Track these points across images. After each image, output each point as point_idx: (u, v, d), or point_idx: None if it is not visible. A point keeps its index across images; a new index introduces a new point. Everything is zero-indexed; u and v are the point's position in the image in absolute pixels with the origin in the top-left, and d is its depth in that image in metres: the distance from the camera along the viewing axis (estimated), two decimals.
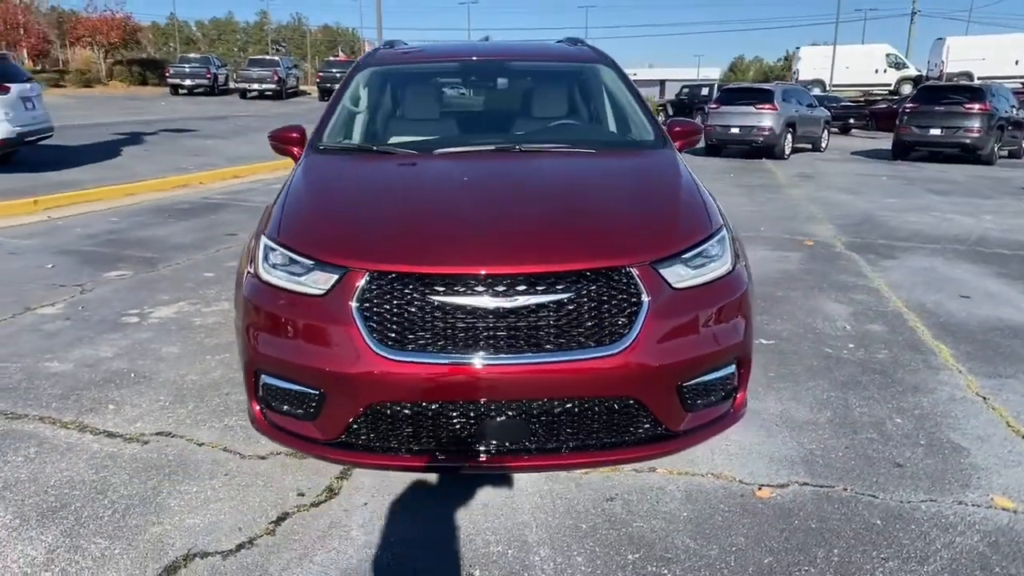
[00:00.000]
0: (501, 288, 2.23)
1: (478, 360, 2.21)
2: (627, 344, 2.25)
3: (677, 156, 3.33)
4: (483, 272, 2.25)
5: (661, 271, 2.37)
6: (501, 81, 4.18)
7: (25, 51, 36.41)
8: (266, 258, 2.50)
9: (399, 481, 2.68)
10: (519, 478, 2.70)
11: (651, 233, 2.56)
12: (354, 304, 2.27)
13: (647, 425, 2.38)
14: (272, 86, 31.99)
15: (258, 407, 2.52)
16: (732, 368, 2.53)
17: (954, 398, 3.49)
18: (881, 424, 3.21)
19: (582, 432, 2.35)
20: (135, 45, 42.25)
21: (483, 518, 2.50)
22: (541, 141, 3.47)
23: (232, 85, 35.00)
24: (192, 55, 38.93)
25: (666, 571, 2.23)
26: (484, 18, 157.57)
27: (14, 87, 9.37)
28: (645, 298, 2.29)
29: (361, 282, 2.29)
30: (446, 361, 2.22)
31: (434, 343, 2.25)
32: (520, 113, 3.95)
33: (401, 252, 2.40)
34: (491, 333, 2.22)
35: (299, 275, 2.38)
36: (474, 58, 4.23)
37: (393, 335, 2.25)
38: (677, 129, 3.59)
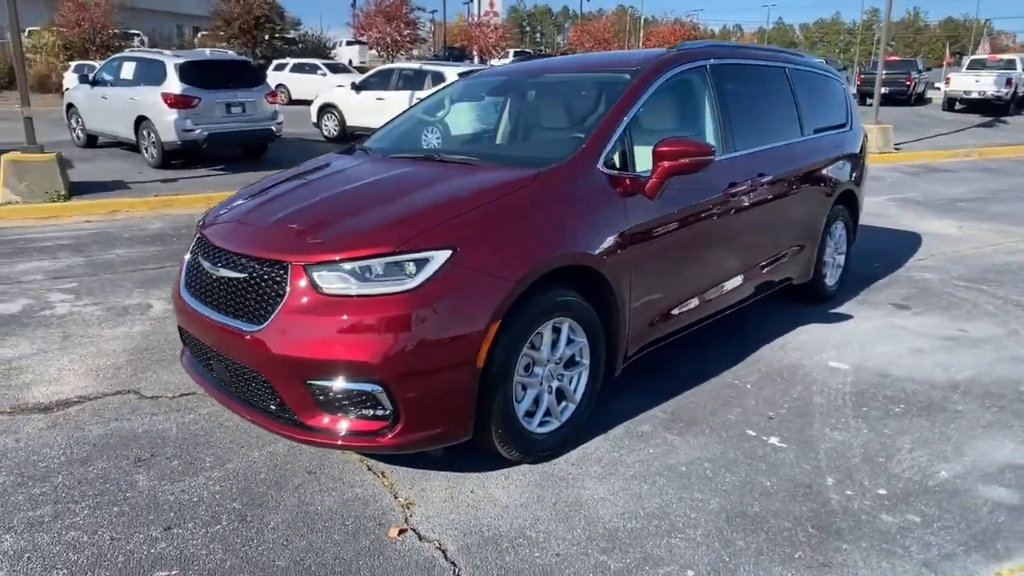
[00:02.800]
0: (218, 259, 2.75)
1: (201, 308, 2.77)
2: (263, 326, 2.48)
3: (512, 177, 2.88)
4: (215, 244, 2.81)
5: (313, 273, 2.45)
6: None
7: None
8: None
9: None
10: None
11: (333, 239, 2.56)
12: (187, 256, 3.08)
13: (277, 405, 2.57)
14: None
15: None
16: (377, 387, 2.40)
17: None
18: None
19: (251, 392, 2.66)
20: None
21: None
22: (458, 152, 3.56)
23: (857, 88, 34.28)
24: None
25: None
26: None
27: (206, 97, 9.96)
28: (287, 292, 2.47)
29: (193, 241, 3.08)
30: (192, 304, 2.83)
31: (194, 290, 2.88)
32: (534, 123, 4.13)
33: (207, 221, 3.09)
34: (209, 290, 2.78)
35: None
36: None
37: (185, 279, 2.98)
38: (663, 149, 3.02)
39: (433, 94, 4.40)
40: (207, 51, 14.02)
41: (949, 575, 2.24)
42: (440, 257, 2.47)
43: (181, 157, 10.20)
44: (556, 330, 2.84)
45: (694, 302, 3.57)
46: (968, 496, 2.67)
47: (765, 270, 4.14)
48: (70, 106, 12.06)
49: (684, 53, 3.73)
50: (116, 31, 26.10)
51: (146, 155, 10.28)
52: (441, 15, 35.20)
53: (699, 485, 2.72)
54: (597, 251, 2.89)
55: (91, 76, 11.63)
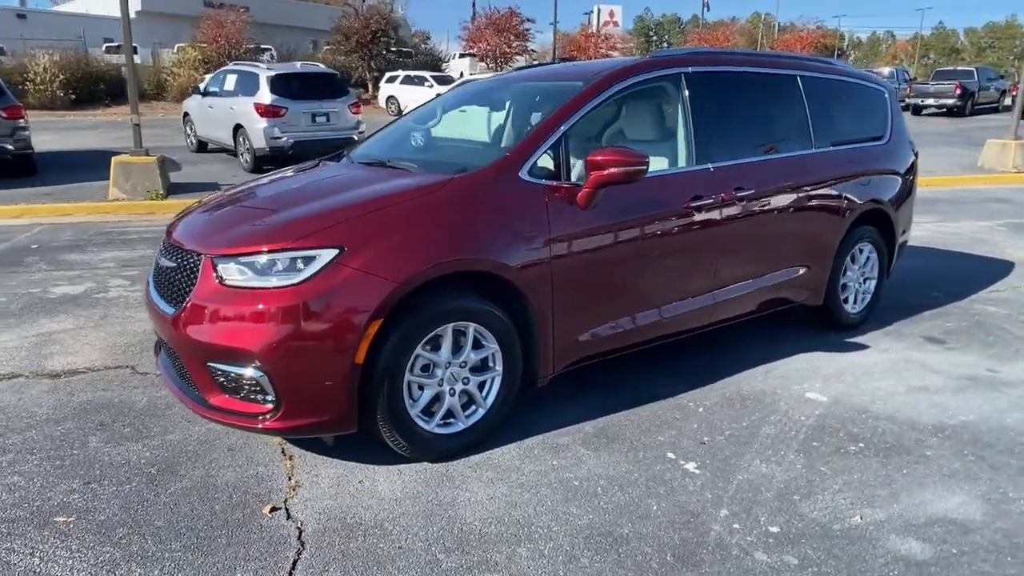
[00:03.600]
0: (165, 250, 3.05)
1: (154, 296, 3.01)
2: (179, 310, 2.74)
3: (422, 183, 3.00)
4: (167, 237, 3.10)
5: (218, 264, 2.68)
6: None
7: None
8: None
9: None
10: None
11: (240, 235, 2.79)
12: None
13: (190, 383, 2.83)
14: (953, 101, 28.04)
15: None
16: (260, 373, 2.58)
17: None
18: None
19: (177, 371, 2.94)
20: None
21: None
22: (404, 159, 3.62)
23: (907, 100, 31.43)
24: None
25: None
26: None
27: (293, 107, 10.75)
28: (198, 280, 2.73)
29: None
30: (151, 294, 3.05)
31: (154, 281, 3.10)
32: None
33: (176, 218, 3.35)
34: (157, 279, 3.05)
35: None
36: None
37: (152, 273, 3.22)
38: (593, 159, 2.99)
39: (427, 103, 4.58)
40: (298, 64, 15.07)
41: None
42: (326, 255, 2.62)
43: (271, 163, 11.07)
44: (461, 334, 2.91)
45: (644, 319, 3.47)
46: (869, 545, 2.43)
47: (750, 290, 3.93)
48: (186, 115, 13.55)
49: (650, 62, 3.66)
50: (251, 46, 28.79)
51: (241, 160, 11.29)
52: (556, 26, 35.47)
53: (582, 500, 2.68)
54: (508, 259, 2.93)
55: (202, 87, 12.99)
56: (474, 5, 37.57)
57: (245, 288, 2.64)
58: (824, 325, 4.60)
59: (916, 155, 5.07)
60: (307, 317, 2.57)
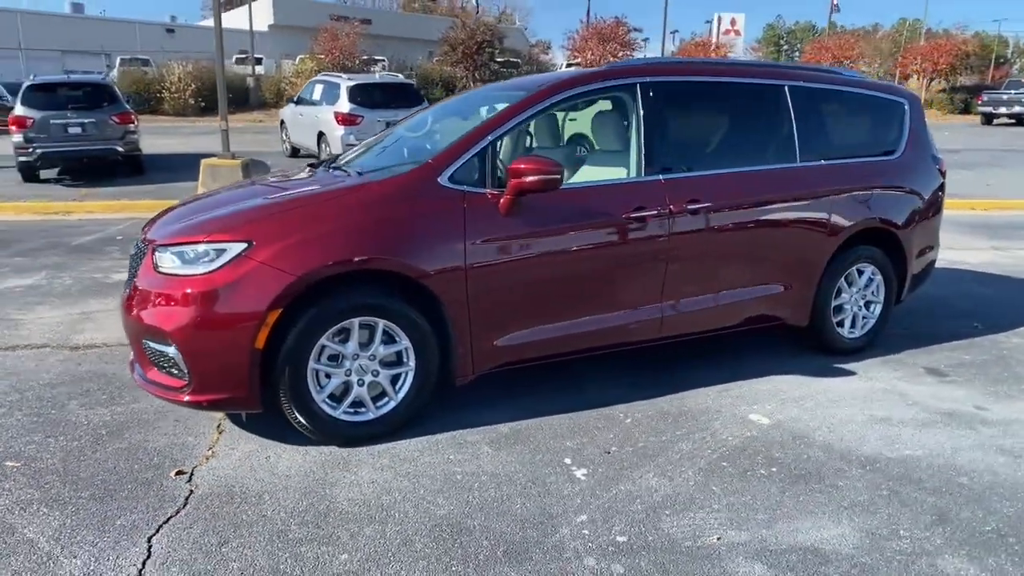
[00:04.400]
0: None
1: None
2: (129, 291, 3.13)
3: (343, 186, 3.29)
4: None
5: (156, 253, 3.04)
6: None
7: None
8: None
9: None
10: None
11: (176, 228, 3.16)
12: None
13: (136, 358, 3.21)
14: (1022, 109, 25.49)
15: None
16: (173, 350, 2.90)
17: None
18: None
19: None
20: (965, 70, 38.91)
21: None
22: (350, 166, 3.86)
23: (979, 109, 28.70)
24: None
25: None
26: None
27: (369, 115, 11.40)
28: (143, 266, 3.10)
29: None
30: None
31: None
32: None
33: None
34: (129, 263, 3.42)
35: None
36: None
37: None
38: (512, 167, 3.14)
39: (419, 111, 4.83)
40: (377, 75, 15.91)
41: None
42: (235, 249, 2.92)
43: None
44: (371, 329, 3.11)
45: (578, 328, 3.50)
46: (709, 564, 2.37)
47: (711, 305, 3.84)
48: (282, 122, 14.73)
49: (603, 72, 3.70)
50: (364, 57, 30.59)
51: None
52: (671, 34, 34.82)
53: (453, 493, 2.78)
54: (419, 261, 3.09)
55: (296, 96, 14.06)
56: (588, 14, 37.77)
57: (172, 275, 2.98)
58: (817, 348, 4.37)
59: (942, 172, 4.69)
60: (214, 303, 2.88)
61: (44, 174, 11.11)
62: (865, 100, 4.46)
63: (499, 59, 31.37)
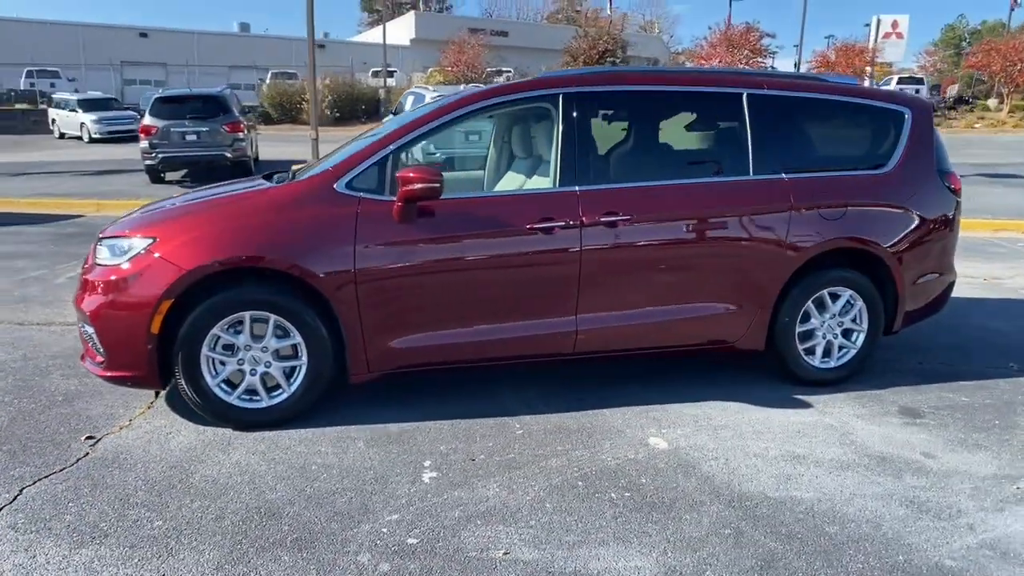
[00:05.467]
0: None
1: None
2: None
3: (250, 190, 3.58)
4: None
5: (96, 246, 3.43)
6: None
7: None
8: None
9: None
10: None
11: (116, 226, 3.54)
12: None
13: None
14: None
15: None
16: (92, 330, 3.30)
17: None
18: None
19: None
20: None
21: None
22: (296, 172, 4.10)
23: None
24: None
25: None
26: None
27: None
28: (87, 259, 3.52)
29: None
30: None
31: None
32: None
33: None
34: None
35: None
36: None
37: None
38: (399, 175, 3.27)
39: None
40: (461, 86, 16.34)
41: None
42: (141, 244, 3.28)
43: None
44: (263, 322, 3.33)
45: (478, 335, 3.51)
46: (474, 575, 2.31)
47: (637, 321, 3.67)
48: None
49: (526, 83, 3.71)
50: (490, 68, 31.58)
51: None
52: (805, 40, 32.24)
53: (294, 480, 2.92)
54: (308, 263, 3.27)
55: (393, 108, 14.81)
56: (728, 20, 36.32)
57: (101, 265, 3.39)
58: (788, 378, 4.01)
59: (953, 190, 4.12)
60: (121, 290, 3.24)
61: (170, 176, 12.65)
62: (850, 109, 4.04)
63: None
